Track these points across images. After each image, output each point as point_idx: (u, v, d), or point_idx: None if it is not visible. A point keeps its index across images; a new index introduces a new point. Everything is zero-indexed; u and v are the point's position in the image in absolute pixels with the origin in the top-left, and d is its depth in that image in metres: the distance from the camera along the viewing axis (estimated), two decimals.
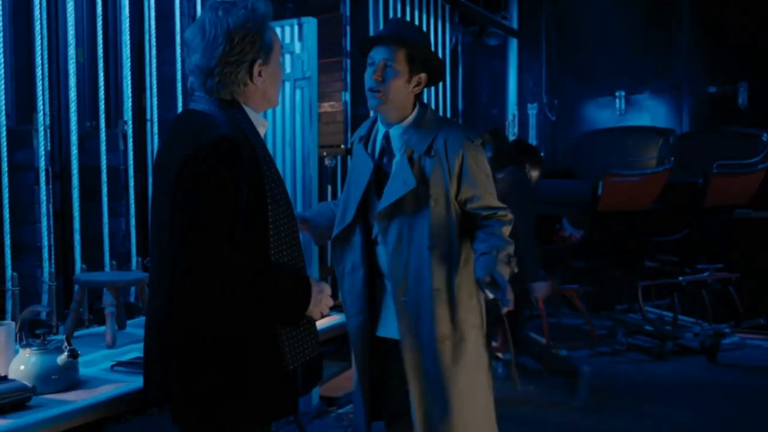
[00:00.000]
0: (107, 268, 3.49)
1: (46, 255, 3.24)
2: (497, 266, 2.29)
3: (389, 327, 2.48)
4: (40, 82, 3.27)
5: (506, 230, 2.45)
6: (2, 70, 3.14)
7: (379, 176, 2.46)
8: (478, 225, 2.45)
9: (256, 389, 1.81)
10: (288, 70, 4.04)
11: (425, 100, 6.33)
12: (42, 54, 3.30)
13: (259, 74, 1.87)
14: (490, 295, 2.31)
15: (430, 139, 2.41)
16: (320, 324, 2.98)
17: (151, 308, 1.93)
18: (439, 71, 2.50)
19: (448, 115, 6.72)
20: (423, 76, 2.45)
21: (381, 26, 5.87)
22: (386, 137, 2.49)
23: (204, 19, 1.85)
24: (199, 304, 1.77)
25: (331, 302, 1.93)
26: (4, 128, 3.14)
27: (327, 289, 1.91)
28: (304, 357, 1.89)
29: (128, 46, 3.72)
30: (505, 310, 2.30)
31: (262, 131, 1.92)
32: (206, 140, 1.74)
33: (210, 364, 1.78)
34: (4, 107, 3.14)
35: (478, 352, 2.47)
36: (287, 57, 4.05)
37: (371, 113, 2.59)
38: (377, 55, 2.43)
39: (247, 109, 1.89)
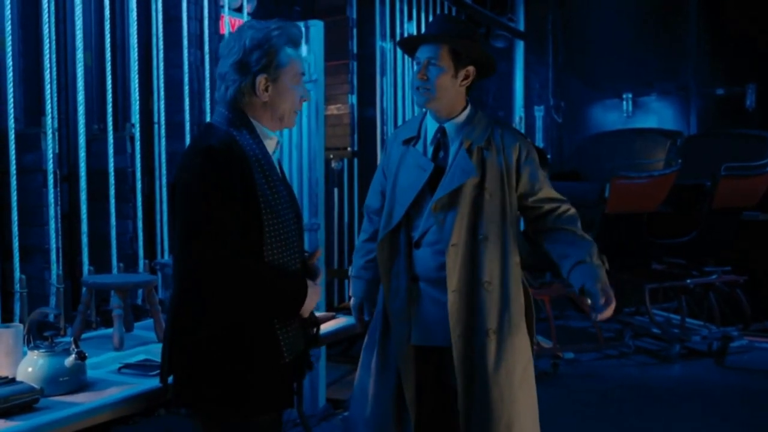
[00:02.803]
0: (115, 270, 3.50)
1: (53, 257, 3.26)
2: (600, 276, 2.37)
3: (424, 333, 2.46)
4: (49, 85, 3.28)
5: (579, 224, 2.51)
6: (11, 74, 3.16)
7: (435, 173, 2.45)
8: (549, 224, 2.49)
9: (259, 381, 1.90)
10: None
11: None
12: (50, 57, 3.31)
13: (266, 89, 1.95)
14: (588, 302, 2.37)
15: (487, 133, 2.46)
16: (328, 326, 2.99)
17: (170, 308, 2.03)
18: (486, 63, 2.51)
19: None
20: (471, 69, 2.47)
21: (387, 29, 5.88)
22: (441, 131, 2.50)
23: (235, 32, 2.01)
24: (199, 303, 1.88)
25: (316, 300, 2.03)
26: (13, 131, 3.15)
27: (317, 289, 2.02)
28: (297, 350, 2.00)
29: (136, 49, 3.73)
30: (598, 317, 2.36)
31: (270, 145, 2.00)
32: (193, 150, 1.90)
33: (213, 358, 1.88)
34: (12, 110, 3.16)
35: (522, 351, 2.46)
36: None
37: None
38: (422, 54, 2.46)
39: (256, 124, 1.98)
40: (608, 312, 2.35)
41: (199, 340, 1.87)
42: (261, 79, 1.94)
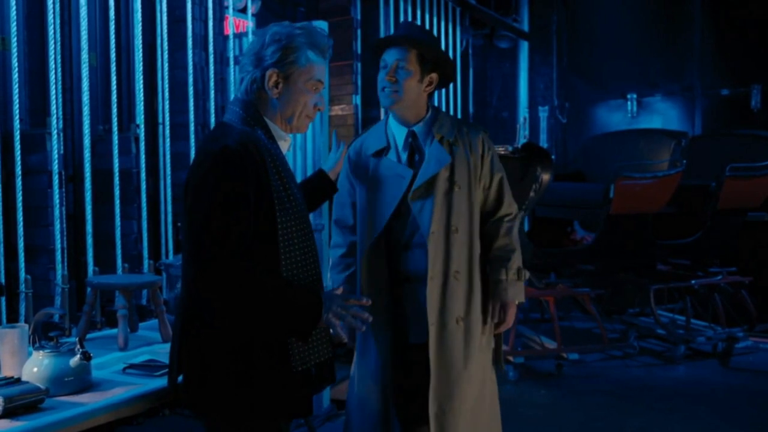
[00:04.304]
0: (119, 270, 3.51)
1: (59, 258, 3.26)
2: (509, 294, 2.56)
3: (423, 332, 2.52)
4: (54, 86, 3.29)
5: (514, 229, 2.60)
6: (16, 74, 3.16)
7: (413, 177, 2.53)
8: (489, 225, 2.59)
9: (264, 388, 1.85)
10: None
11: (436, 104, 6.36)
12: (55, 58, 3.32)
13: (275, 85, 1.92)
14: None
15: (455, 130, 2.56)
16: None
17: (177, 309, 2.02)
18: (449, 71, 2.59)
19: (459, 117, 6.73)
20: (434, 76, 2.55)
21: (392, 30, 5.88)
22: (412, 135, 2.56)
23: (263, 29, 1.98)
24: (205, 307, 1.84)
25: (362, 315, 1.93)
26: (18, 132, 3.16)
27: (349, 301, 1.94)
28: (317, 359, 1.93)
29: (140, 50, 3.74)
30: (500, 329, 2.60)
31: (283, 146, 1.97)
32: (209, 151, 1.82)
33: (219, 362, 1.84)
34: (17, 111, 3.17)
35: (486, 337, 2.61)
36: None
37: (382, 114, 2.66)
38: (389, 56, 2.51)
39: (270, 124, 1.95)
40: (499, 329, 2.63)
41: (204, 343, 1.85)
42: (271, 73, 1.91)
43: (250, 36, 4.45)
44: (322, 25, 4.07)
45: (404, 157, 2.55)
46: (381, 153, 2.58)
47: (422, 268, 2.50)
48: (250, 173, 1.80)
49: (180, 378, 1.97)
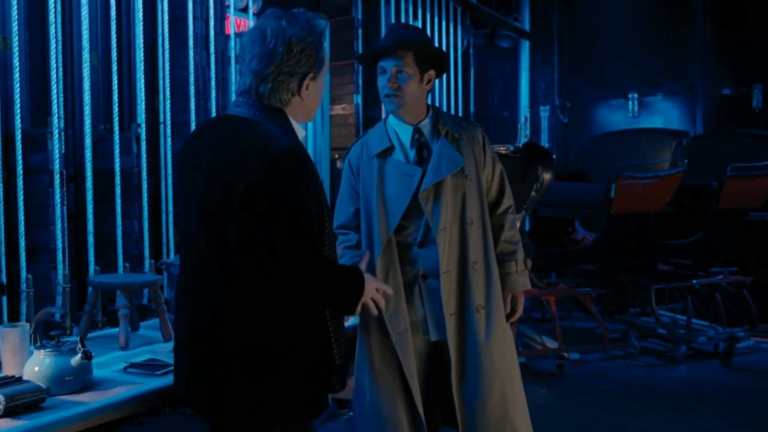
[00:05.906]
0: (120, 270, 3.52)
1: (60, 257, 3.27)
2: (519, 284, 2.64)
3: (442, 328, 2.54)
4: (55, 86, 3.29)
5: (517, 221, 2.67)
6: (17, 74, 3.17)
7: (422, 175, 2.55)
8: (493, 219, 2.64)
9: (309, 388, 1.87)
10: None
11: (437, 104, 6.36)
12: (56, 58, 3.32)
13: (307, 87, 1.91)
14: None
15: (457, 124, 2.62)
16: None
17: (189, 314, 1.93)
18: (444, 64, 2.63)
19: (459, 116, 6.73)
20: (432, 72, 2.59)
21: None
22: (418, 131, 2.59)
23: (265, 26, 1.89)
24: (266, 307, 1.81)
25: (381, 294, 2.00)
26: (19, 131, 3.16)
27: (374, 282, 1.99)
28: (346, 352, 1.98)
29: (141, 50, 3.74)
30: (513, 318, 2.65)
31: (300, 137, 1.96)
32: (275, 151, 1.77)
33: (266, 366, 1.81)
34: (19, 111, 3.17)
35: (506, 324, 2.64)
36: None
37: (383, 113, 2.68)
38: (387, 63, 2.53)
39: (292, 120, 1.94)
40: (512, 318, 2.68)
41: (249, 345, 1.81)
42: (307, 80, 1.90)
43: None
44: None
45: (412, 154, 2.57)
46: (386, 153, 2.58)
47: (438, 265, 2.54)
48: (312, 171, 1.84)
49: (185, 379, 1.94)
